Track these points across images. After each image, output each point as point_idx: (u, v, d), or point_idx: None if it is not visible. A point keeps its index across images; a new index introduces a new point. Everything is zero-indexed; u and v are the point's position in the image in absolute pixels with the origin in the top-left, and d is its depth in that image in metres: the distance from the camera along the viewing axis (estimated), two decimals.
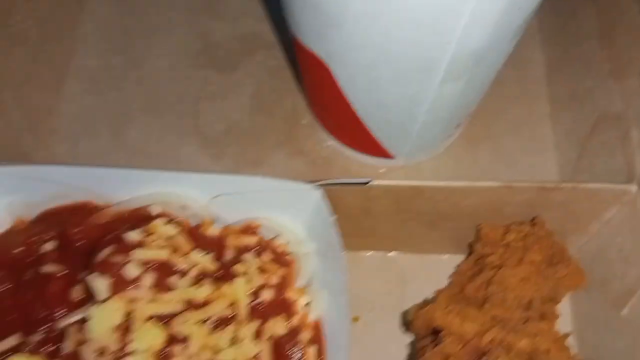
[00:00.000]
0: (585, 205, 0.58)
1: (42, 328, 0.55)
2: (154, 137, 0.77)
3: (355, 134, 0.66)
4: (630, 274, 0.57)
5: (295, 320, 0.60)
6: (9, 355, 0.53)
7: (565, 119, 0.73)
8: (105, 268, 0.54)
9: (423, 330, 0.55)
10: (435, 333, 0.54)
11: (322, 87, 0.59)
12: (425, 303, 0.56)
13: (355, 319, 0.66)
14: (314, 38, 0.52)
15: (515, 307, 0.54)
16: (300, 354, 0.58)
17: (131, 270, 0.54)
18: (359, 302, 0.67)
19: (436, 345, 0.51)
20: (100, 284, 0.53)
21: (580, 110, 0.71)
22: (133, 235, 0.56)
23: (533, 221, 0.59)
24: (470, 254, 0.63)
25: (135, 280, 0.54)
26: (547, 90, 0.77)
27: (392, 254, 0.69)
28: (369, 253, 0.70)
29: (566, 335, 0.52)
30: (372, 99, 0.56)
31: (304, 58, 0.58)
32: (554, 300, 0.56)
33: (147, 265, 0.55)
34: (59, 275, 0.58)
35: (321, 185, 0.58)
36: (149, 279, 0.55)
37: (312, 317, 0.60)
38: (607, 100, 0.66)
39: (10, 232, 0.63)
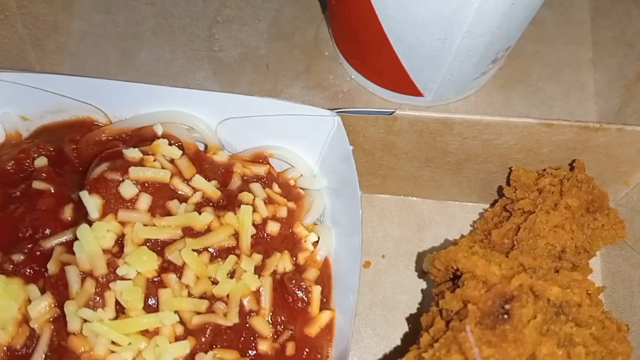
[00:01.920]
0: (630, 152, 0.52)
1: (26, 247, 0.50)
2: (164, 60, 0.72)
3: (383, 63, 0.60)
4: None
5: (301, 258, 0.55)
6: None
7: (610, 64, 0.68)
8: (100, 185, 0.50)
9: (442, 274, 0.50)
10: (455, 278, 0.49)
11: (351, 3, 0.54)
12: (446, 246, 0.51)
13: (367, 265, 0.61)
14: None
15: (545, 256, 0.49)
16: (303, 293, 0.53)
17: (127, 189, 0.49)
18: (372, 247, 0.62)
19: (455, 289, 0.46)
20: (92, 201, 0.49)
21: (627, 55, 0.65)
22: (132, 153, 0.51)
23: (572, 164, 0.54)
24: (496, 200, 0.58)
25: (131, 200, 0.50)
26: (590, 34, 0.71)
27: (410, 198, 0.64)
28: (385, 196, 0.64)
29: (600, 289, 0.47)
30: (406, 16, 0.50)
31: None
32: (589, 252, 0.51)
33: (145, 186, 0.50)
34: (51, 192, 0.54)
35: (341, 112, 0.53)
36: (145, 201, 0.50)
37: (320, 256, 0.56)
38: None
39: (3, 146, 0.59)
